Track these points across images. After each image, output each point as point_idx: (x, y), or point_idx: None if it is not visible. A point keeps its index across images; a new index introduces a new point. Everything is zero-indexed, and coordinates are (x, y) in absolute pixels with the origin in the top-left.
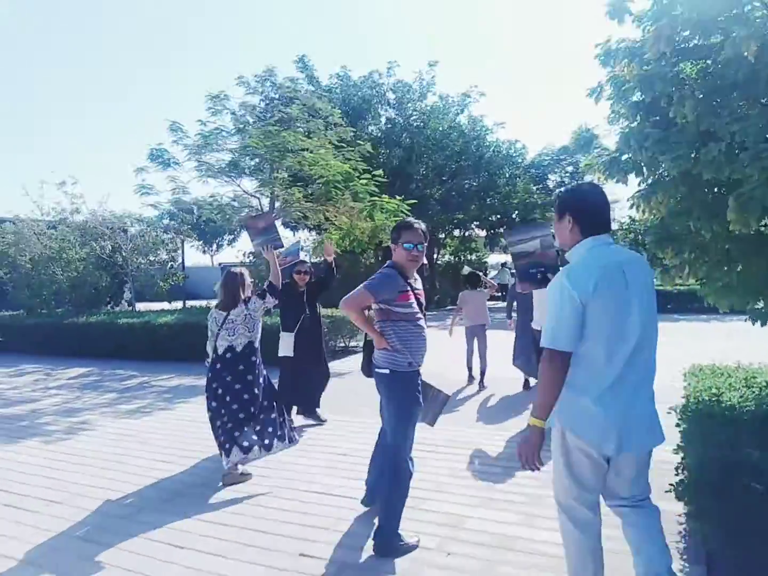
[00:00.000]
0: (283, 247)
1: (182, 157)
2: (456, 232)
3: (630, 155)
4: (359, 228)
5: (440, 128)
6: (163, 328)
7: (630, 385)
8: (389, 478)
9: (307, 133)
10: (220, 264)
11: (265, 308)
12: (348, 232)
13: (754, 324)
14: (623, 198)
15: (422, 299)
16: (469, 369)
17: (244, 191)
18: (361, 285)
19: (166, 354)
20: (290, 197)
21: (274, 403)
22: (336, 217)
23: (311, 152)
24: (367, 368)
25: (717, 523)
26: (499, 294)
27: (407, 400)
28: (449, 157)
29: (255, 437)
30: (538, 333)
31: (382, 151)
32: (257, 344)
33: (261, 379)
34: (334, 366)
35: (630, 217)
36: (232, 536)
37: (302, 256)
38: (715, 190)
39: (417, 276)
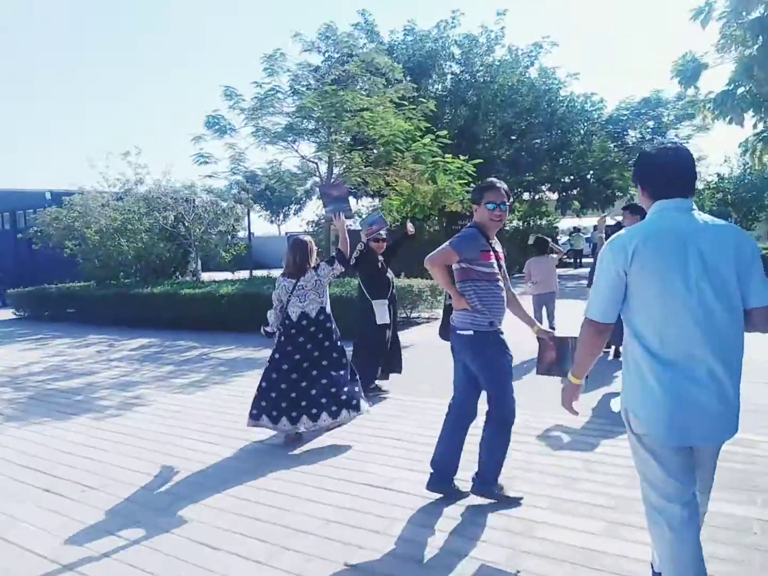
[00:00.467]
0: (353, 218)
1: (239, 123)
2: (525, 196)
3: (749, 87)
4: (421, 192)
5: (509, 83)
6: (224, 299)
7: (691, 369)
8: (495, 429)
9: (366, 93)
10: (286, 233)
11: (333, 275)
12: (409, 197)
13: None
14: (711, 154)
15: (502, 261)
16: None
17: (302, 156)
18: (446, 243)
19: (227, 325)
20: (349, 162)
21: (350, 370)
22: (396, 181)
23: (371, 112)
24: (444, 331)
25: None
26: (571, 260)
27: (496, 355)
28: (518, 114)
29: (325, 402)
30: None
31: (447, 111)
32: (329, 310)
33: (339, 344)
34: None
35: (718, 174)
36: (272, 537)
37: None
38: None
39: (496, 239)
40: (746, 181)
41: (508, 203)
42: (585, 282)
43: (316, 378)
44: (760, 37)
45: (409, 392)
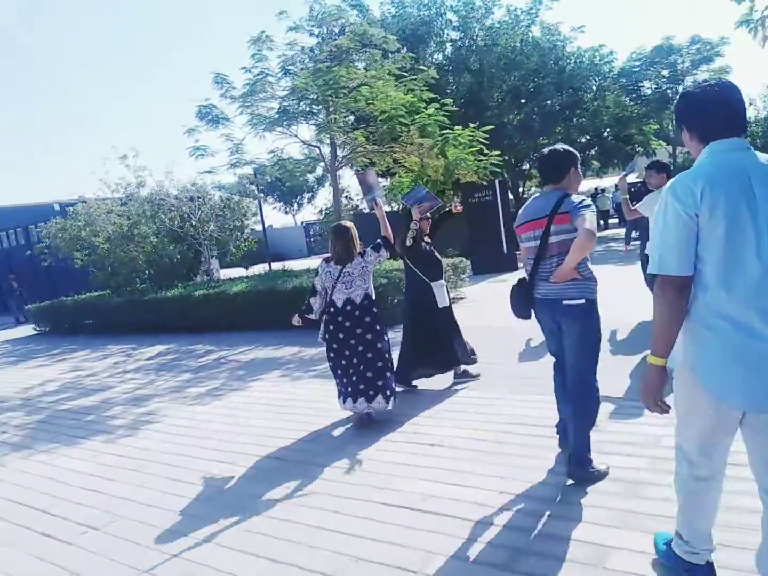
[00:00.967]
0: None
1: (232, 112)
2: None
3: None
4: (431, 167)
5: (512, 45)
6: (239, 297)
7: (759, 324)
8: (581, 406)
9: (364, 67)
10: (302, 223)
11: (380, 261)
12: (420, 173)
13: None
14: (756, 97)
15: None
16: None
17: (303, 141)
18: (587, 213)
19: (244, 324)
20: (353, 142)
21: (390, 358)
22: (404, 158)
23: (369, 87)
24: (527, 308)
25: None
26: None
27: (598, 326)
28: (525, 76)
29: (379, 384)
30: None
31: (451, 80)
32: (373, 296)
33: (385, 329)
34: None
35: None
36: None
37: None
38: None
39: None
40: None
41: None
42: (613, 245)
43: (371, 361)
44: None
45: (440, 381)
